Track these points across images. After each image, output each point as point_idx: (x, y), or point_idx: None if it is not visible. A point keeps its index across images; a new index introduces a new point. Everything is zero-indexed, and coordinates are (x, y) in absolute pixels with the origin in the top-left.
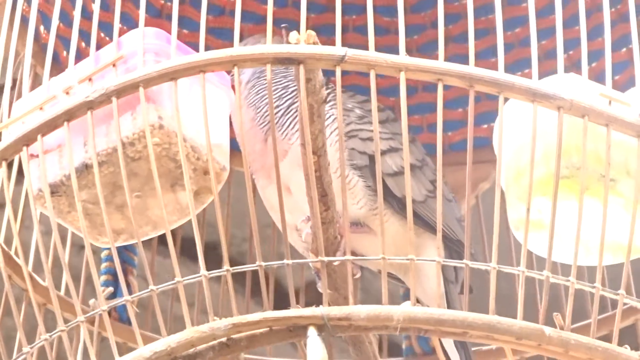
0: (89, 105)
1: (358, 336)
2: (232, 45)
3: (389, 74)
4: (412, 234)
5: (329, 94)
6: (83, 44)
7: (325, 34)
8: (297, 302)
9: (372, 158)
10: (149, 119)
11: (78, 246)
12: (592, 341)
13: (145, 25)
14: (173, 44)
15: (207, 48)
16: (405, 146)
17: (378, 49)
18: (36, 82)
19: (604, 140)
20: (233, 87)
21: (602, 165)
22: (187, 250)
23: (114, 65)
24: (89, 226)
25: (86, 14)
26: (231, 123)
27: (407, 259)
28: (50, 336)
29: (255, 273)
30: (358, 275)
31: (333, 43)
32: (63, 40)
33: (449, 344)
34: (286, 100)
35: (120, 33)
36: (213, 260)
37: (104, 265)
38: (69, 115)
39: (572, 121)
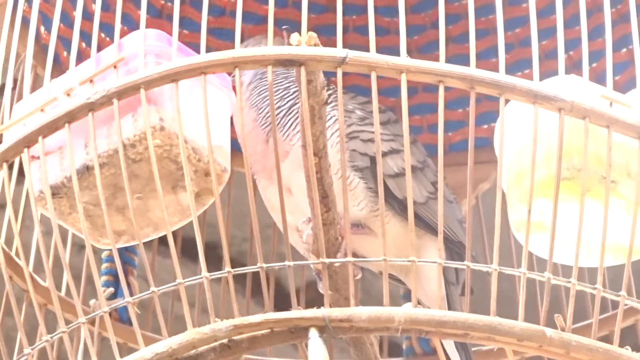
0: (90, 107)
1: (359, 337)
2: (232, 46)
3: (390, 76)
4: (413, 235)
5: (330, 95)
6: (83, 44)
7: (325, 34)
8: (298, 302)
9: (373, 159)
10: (150, 121)
11: (78, 246)
12: (594, 342)
13: (146, 25)
14: (174, 45)
15: (207, 49)
16: (407, 148)
17: (378, 49)
18: (36, 82)
19: (605, 142)
20: (234, 88)
21: (603, 167)
22: (187, 250)
23: (115, 66)
24: (90, 227)
25: (86, 15)
26: (232, 124)
27: (409, 261)
28: (52, 337)
29: (255, 273)
30: (359, 276)
31: (333, 43)
32: (63, 40)
33: (449, 345)
34: (288, 101)
35: (121, 33)
36: (213, 260)
37: (104, 265)
38: (70, 117)
39: (573, 123)
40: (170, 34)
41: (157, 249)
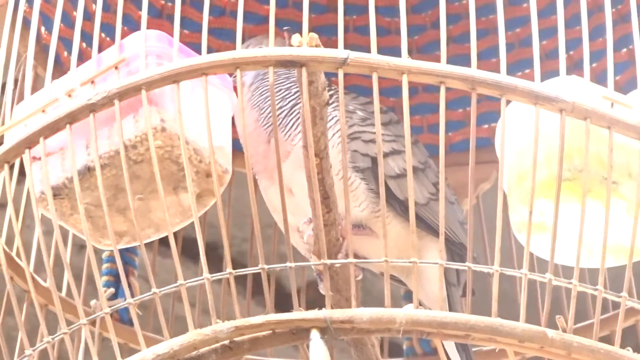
0: (91, 108)
1: (360, 338)
2: (232, 46)
3: (391, 77)
4: (414, 236)
5: (331, 95)
6: (84, 45)
7: (325, 34)
8: (298, 302)
9: (374, 160)
10: (151, 122)
11: (78, 245)
12: (595, 343)
13: (146, 25)
14: (175, 46)
15: (207, 49)
16: (408, 149)
17: (379, 49)
18: (36, 82)
19: (606, 143)
20: (235, 89)
21: (604, 168)
22: (187, 250)
23: (116, 68)
24: (91, 228)
25: (87, 15)
26: (234, 124)
27: (410, 262)
28: (53, 339)
29: (256, 273)
30: (360, 277)
31: (333, 43)
32: (64, 41)
33: (450, 346)
34: (289, 102)
35: (122, 34)
36: (214, 260)
37: (105, 266)
38: (72, 118)
39: (574, 124)
40: (170, 34)
41: (158, 249)
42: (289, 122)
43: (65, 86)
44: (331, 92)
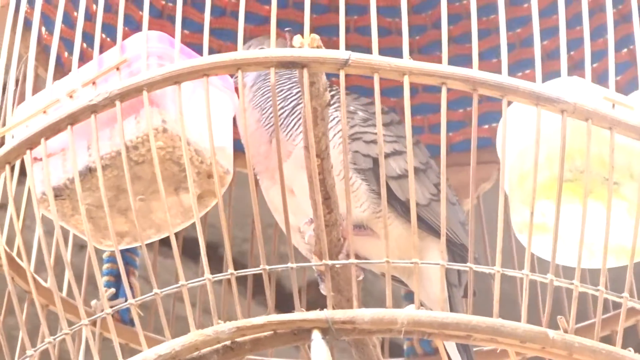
0: (93, 109)
1: (362, 339)
2: (233, 46)
3: (392, 78)
4: (415, 237)
5: (332, 96)
6: (84, 45)
7: (326, 34)
8: (299, 301)
9: (375, 161)
10: (152, 123)
11: (78, 246)
12: (596, 344)
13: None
14: (177, 47)
15: (208, 49)
16: (409, 149)
17: (379, 50)
18: (37, 82)
19: (608, 144)
20: (236, 90)
21: (606, 169)
22: (188, 250)
23: (117, 69)
24: (93, 229)
25: (87, 16)
26: (235, 125)
27: (411, 263)
28: (55, 339)
29: (256, 273)
30: (361, 278)
31: (334, 43)
32: (64, 41)
33: (451, 346)
34: (291, 102)
35: (123, 34)
36: (214, 260)
37: (105, 266)
38: (73, 119)
39: (575, 124)
40: (171, 34)
41: (158, 249)
42: (290, 123)
43: (66, 87)
44: (332, 93)
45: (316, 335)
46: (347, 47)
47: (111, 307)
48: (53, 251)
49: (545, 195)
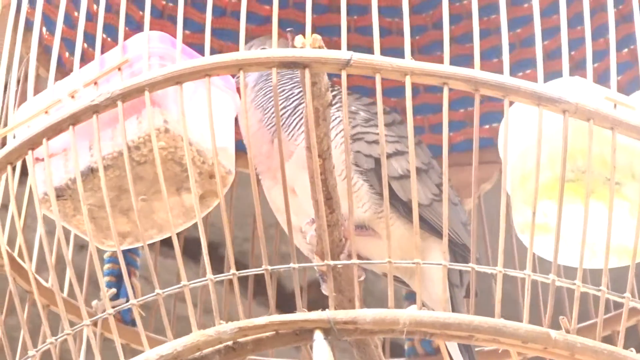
0: (95, 109)
1: (363, 339)
2: (233, 46)
3: (394, 78)
4: (417, 237)
5: (334, 96)
6: (85, 45)
7: (326, 34)
8: (301, 302)
9: (377, 161)
10: (154, 123)
11: (78, 246)
12: (598, 344)
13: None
14: (178, 47)
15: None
16: (411, 150)
17: (380, 50)
18: (37, 83)
19: (609, 144)
20: (238, 90)
21: (608, 169)
22: (188, 250)
23: (119, 69)
24: (94, 229)
25: (88, 16)
26: (237, 125)
27: (413, 263)
28: (56, 339)
29: (257, 274)
30: (362, 278)
31: (334, 43)
32: (65, 41)
33: (453, 346)
34: (293, 102)
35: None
36: (214, 260)
37: (106, 266)
38: (75, 119)
39: (577, 125)
40: (171, 34)
41: (159, 249)
42: (292, 122)
43: (68, 87)
44: (334, 93)
45: (318, 335)
46: (348, 47)
47: (113, 307)
48: (54, 251)
49: (547, 196)
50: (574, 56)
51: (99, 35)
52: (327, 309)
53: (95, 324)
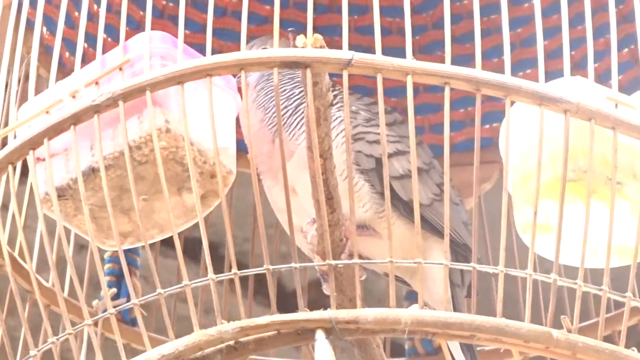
0: (96, 109)
1: (364, 339)
2: (234, 46)
3: (395, 78)
4: (419, 237)
5: (335, 96)
6: (85, 45)
7: (326, 34)
8: (299, 302)
9: (378, 161)
10: (155, 123)
11: (78, 246)
12: (600, 344)
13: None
14: (179, 47)
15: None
16: (413, 150)
17: (381, 50)
18: (38, 82)
19: (611, 144)
20: (239, 89)
21: (609, 169)
22: (189, 250)
23: (120, 69)
24: (96, 229)
25: (89, 16)
26: (238, 125)
27: (415, 262)
28: (58, 339)
29: (256, 273)
30: (363, 278)
31: (335, 43)
32: (65, 41)
33: (454, 346)
34: (294, 101)
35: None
36: (214, 260)
37: (106, 266)
38: (76, 119)
39: (578, 124)
40: (171, 34)
41: (159, 249)
42: (293, 122)
43: (69, 87)
44: (335, 93)
45: (320, 335)
46: (348, 48)
47: (114, 307)
48: (55, 251)
49: (549, 195)
50: (574, 56)
51: (100, 34)
52: (328, 309)
53: (95, 323)
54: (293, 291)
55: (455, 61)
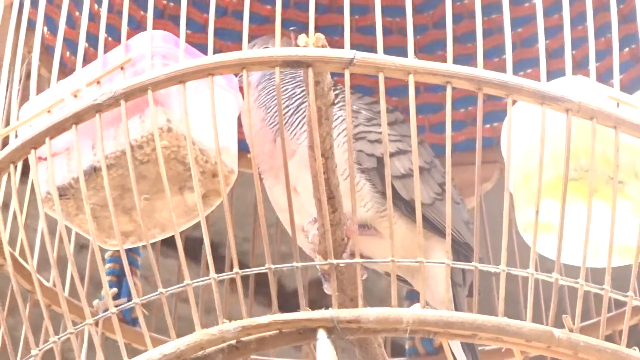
0: (97, 108)
1: (366, 338)
2: (234, 46)
3: (397, 77)
4: (420, 237)
5: (337, 95)
6: (86, 45)
7: (327, 33)
8: (299, 302)
9: (380, 160)
10: (157, 122)
11: (79, 245)
12: (602, 343)
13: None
14: (181, 47)
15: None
16: (414, 149)
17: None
18: (39, 82)
19: (612, 143)
20: (241, 89)
21: (611, 168)
22: (189, 250)
23: (122, 68)
24: (97, 229)
25: (90, 16)
26: (240, 124)
27: (417, 262)
28: (59, 338)
29: (256, 273)
30: (364, 277)
31: (335, 43)
32: (66, 41)
33: (456, 345)
34: (296, 100)
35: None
36: (214, 260)
37: (107, 266)
38: (77, 118)
39: (580, 123)
40: (172, 34)
41: (160, 249)
42: (294, 122)
43: (70, 86)
44: (336, 92)
45: (321, 334)
46: (350, 47)
47: (115, 306)
48: (55, 251)
49: (550, 195)
50: (575, 55)
51: (102, 34)
52: (329, 308)
53: (96, 323)
54: (293, 291)
55: (456, 61)
